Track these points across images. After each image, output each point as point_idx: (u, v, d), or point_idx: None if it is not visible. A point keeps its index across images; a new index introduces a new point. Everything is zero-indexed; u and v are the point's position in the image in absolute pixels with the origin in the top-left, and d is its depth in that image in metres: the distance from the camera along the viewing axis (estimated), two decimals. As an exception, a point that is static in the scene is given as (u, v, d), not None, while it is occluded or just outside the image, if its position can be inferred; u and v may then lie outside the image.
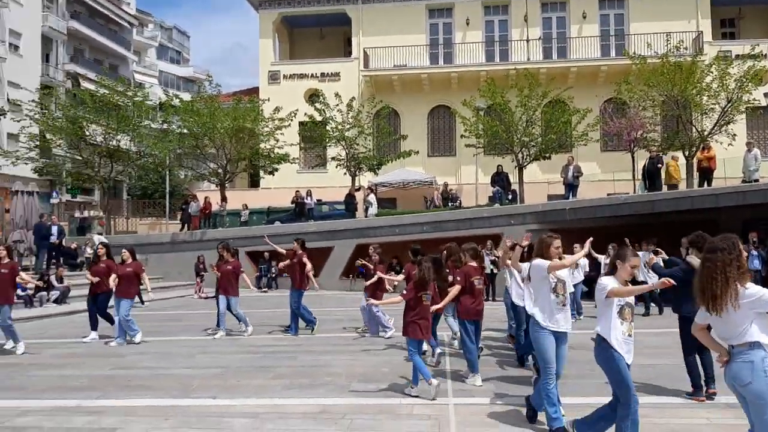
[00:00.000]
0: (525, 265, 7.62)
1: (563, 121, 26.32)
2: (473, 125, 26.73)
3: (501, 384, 7.95)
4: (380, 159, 29.00)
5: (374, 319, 11.94)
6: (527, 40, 34.77)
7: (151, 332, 12.61)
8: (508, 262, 8.47)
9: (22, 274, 11.38)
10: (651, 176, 21.74)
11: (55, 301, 17.38)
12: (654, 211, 19.70)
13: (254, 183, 36.39)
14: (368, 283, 11.74)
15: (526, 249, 8.09)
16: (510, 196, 25.89)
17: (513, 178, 26.57)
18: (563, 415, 5.76)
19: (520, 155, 26.23)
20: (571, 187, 23.42)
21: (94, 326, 12.12)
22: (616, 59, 32.67)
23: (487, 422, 6.31)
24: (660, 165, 21.73)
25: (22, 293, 17.08)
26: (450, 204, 26.85)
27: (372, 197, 25.68)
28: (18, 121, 29.83)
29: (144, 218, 35.42)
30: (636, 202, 20.30)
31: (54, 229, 20.95)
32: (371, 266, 12.00)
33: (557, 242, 6.21)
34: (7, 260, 10.57)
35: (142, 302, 18.36)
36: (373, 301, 9.41)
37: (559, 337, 6.00)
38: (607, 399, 5.29)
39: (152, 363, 9.64)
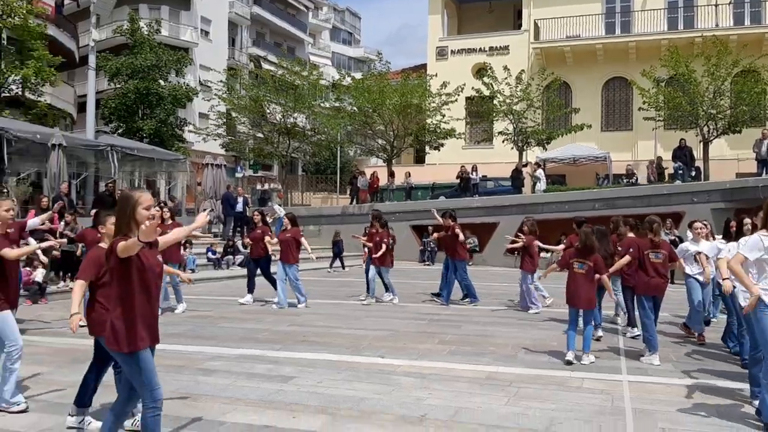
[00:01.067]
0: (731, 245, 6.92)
1: (757, 92, 23.80)
2: (653, 97, 24.97)
3: (680, 365, 7.42)
4: (549, 133, 28.07)
5: (528, 293, 11.80)
6: (716, 5, 31.66)
7: (323, 296, 13.33)
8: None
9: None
10: None
11: (240, 265, 18.84)
12: None
13: (419, 159, 36.86)
14: (511, 246, 12.25)
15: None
16: (693, 173, 23.93)
17: (697, 153, 24.53)
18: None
19: (705, 129, 24.13)
20: (765, 163, 21.16)
21: (251, 289, 12.59)
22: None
23: (664, 401, 5.91)
24: None
25: (213, 257, 18.76)
26: (626, 181, 25.36)
27: (540, 172, 25.00)
28: (208, 101, 32.58)
29: (317, 192, 37.35)
30: None
31: (240, 200, 22.67)
32: (522, 238, 12.03)
33: None
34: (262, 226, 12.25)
35: (343, 267, 20.05)
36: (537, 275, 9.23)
37: None
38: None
39: (325, 322, 10.15)
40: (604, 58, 32.94)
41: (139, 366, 3.83)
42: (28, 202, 18.48)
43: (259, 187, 30.18)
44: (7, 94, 23.39)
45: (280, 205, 28.17)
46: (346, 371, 6.91)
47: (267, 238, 12.28)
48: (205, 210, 22.93)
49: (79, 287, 4.68)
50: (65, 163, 16.87)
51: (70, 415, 4.92)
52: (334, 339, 8.71)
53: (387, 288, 12.89)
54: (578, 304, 7.56)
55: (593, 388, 6.37)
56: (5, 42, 23.41)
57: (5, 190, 12.80)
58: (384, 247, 12.38)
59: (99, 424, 4.56)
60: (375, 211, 13.68)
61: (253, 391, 6.10)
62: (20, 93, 23.87)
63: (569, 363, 7.29)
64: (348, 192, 30.01)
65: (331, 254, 21.36)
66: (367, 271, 12.88)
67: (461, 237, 12.45)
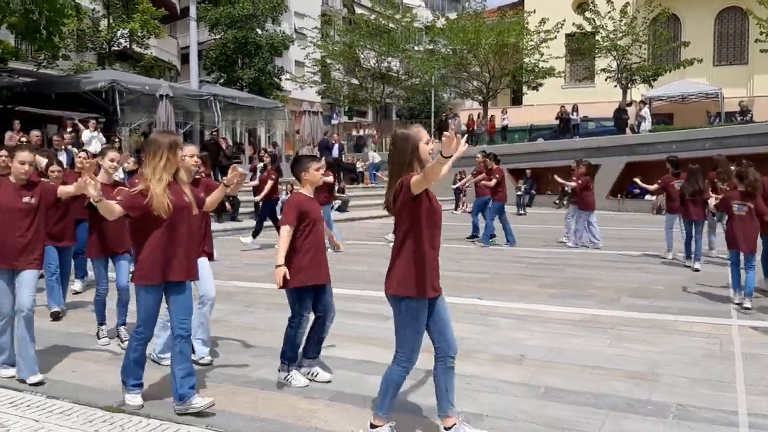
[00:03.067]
0: None
1: None
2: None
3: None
4: (656, 69, 26.52)
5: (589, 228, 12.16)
6: None
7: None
8: None
9: None
10: None
11: (338, 209, 19.26)
12: None
13: (516, 100, 35.93)
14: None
15: None
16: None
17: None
18: None
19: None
20: None
21: (257, 232, 12.33)
22: None
23: (781, 347, 5.65)
24: None
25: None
26: (740, 118, 23.72)
27: (645, 111, 23.77)
28: (303, 49, 32.90)
29: (412, 137, 37.22)
30: None
31: (336, 147, 23.02)
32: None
33: None
34: None
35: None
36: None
37: None
38: None
39: None
40: (719, -14, 30.51)
41: (411, 317, 3.58)
42: (139, 151, 19.58)
43: (354, 133, 30.51)
44: (116, 48, 24.54)
45: (374, 151, 28.46)
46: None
47: (270, 182, 11.80)
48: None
49: (286, 234, 4.48)
50: (173, 112, 17.62)
51: (280, 370, 4.81)
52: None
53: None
54: (738, 247, 7.29)
55: (701, 332, 6.18)
56: (112, -3, 24.47)
57: (117, 140, 13.54)
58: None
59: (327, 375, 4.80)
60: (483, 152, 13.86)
61: (353, 329, 6.32)
62: (128, 46, 25.01)
63: (740, 305, 7.10)
64: (438, 137, 29.70)
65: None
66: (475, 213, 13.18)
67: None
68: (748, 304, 7.08)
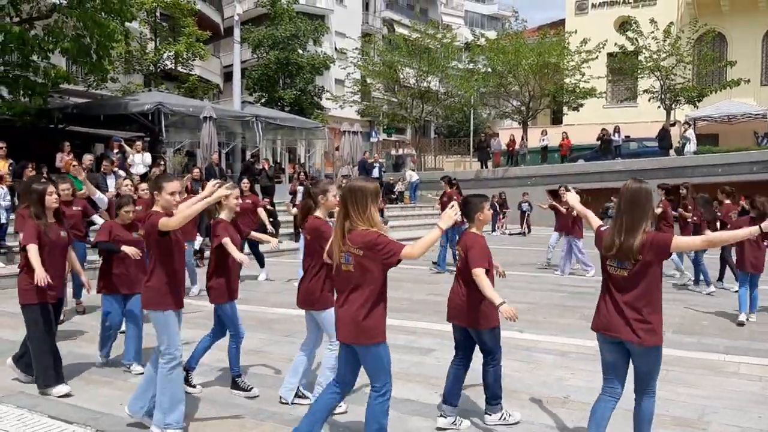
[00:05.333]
0: None
1: None
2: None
3: None
4: (701, 90, 26.02)
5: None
6: None
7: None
8: None
9: None
10: None
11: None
12: None
13: (556, 120, 35.63)
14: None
15: None
16: None
17: None
18: None
19: None
20: None
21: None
22: None
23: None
24: None
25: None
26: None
27: (690, 132, 23.35)
28: (344, 69, 33.24)
29: (450, 156, 37.24)
30: None
31: (375, 166, 23.15)
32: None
33: None
34: None
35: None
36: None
37: None
38: None
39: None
40: (767, 5, 29.82)
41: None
42: (183, 171, 20.00)
43: (393, 152, 30.60)
44: (162, 69, 25.19)
45: (413, 170, 28.51)
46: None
47: (260, 210, 11.26)
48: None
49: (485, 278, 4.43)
50: (215, 133, 17.98)
51: (441, 416, 4.75)
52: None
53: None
54: (747, 269, 8.21)
55: (750, 374, 6.00)
56: (159, 19, 25.15)
57: (162, 162, 13.83)
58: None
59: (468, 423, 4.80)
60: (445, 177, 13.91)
61: (393, 363, 6.29)
62: (173, 68, 25.64)
63: (741, 324, 7.96)
64: (477, 156, 29.54)
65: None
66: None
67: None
68: (753, 318, 8.23)
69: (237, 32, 22.34)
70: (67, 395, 5.18)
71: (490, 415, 4.78)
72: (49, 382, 5.20)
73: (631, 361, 3.98)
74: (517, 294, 10.18)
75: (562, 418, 4.92)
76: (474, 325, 4.57)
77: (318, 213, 4.85)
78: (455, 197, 12.33)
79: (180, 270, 4.56)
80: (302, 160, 30.15)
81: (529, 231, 21.32)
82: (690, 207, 10.97)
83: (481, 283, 4.36)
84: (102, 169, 11.85)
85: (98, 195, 7.33)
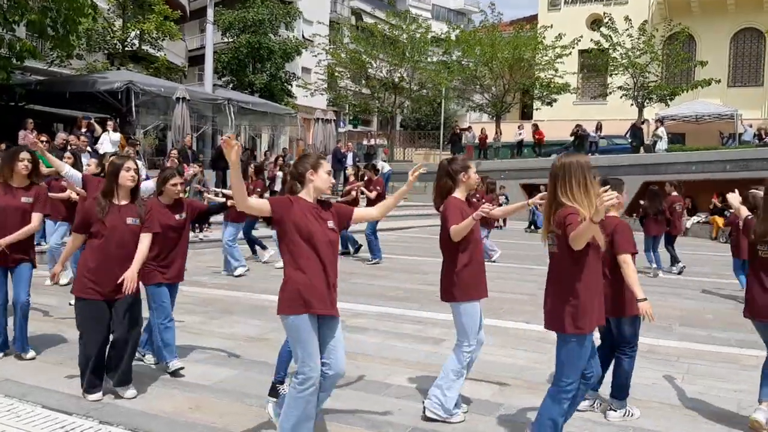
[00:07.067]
0: None
1: None
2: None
3: None
4: (673, 89, 26.34)
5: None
6: None
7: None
8: None
9: None
10: None
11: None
12: None
13: (526, 115, 35.72)
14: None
15: None
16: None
17: None
18: None
19: None
20: None
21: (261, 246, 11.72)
22: None
23: None
24: None
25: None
26: (760, 140, 23.55)
27: (662, 130, 23.57)
28: (315, 56, 32.55)
29: (418, 148, 37.00)
30: None
31: (349, 155, 22.74)
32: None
33: None
34: None
35: None
36: None
37: None
38: None
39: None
40: (736, 7, 30.39)
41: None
42: (155, 154, 19.30)
43: (365, 142, 30.17)
44: (129, 49, 24.21)
45: (385, 161, 28.15)
46: (495, 336, 6.65)
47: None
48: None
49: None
50: (188, 116, 17.31)
51: (611, 409, 4.50)
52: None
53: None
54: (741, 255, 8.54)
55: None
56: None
57: (138, 143, 13.19)
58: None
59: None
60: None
61: (407, 353, 5.99)
62: (140, 47, 24.63)
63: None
64: (450, 149, 29.32)
65: None
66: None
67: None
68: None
69: (210, 12, 21.62)
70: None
71: (614, 411, 4.48)
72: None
73: None
74: (512, 285, 9.97)
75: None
76: (616, 312, 4.34)
77: (457, 193, 4.40)
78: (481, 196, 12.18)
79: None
80: (266, 147, 29.43)
81: (505, 224, 21.17)
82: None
83: (627, 271, 4.19)
84: (72, 146, 11.19)
85: (67, 169, 6.74)
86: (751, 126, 25.99)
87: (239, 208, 3.55)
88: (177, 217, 5.14)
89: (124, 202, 4.56)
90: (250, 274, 10.03)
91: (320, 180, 3.71)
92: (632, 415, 4.49)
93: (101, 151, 13.88)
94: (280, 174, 15.03)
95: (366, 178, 12.38)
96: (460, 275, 4.30)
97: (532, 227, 20.16)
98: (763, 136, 22.61)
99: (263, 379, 5.06)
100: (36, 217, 5.30)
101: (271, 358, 5.69)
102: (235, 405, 4.55)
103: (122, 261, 4.43)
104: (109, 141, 14.39)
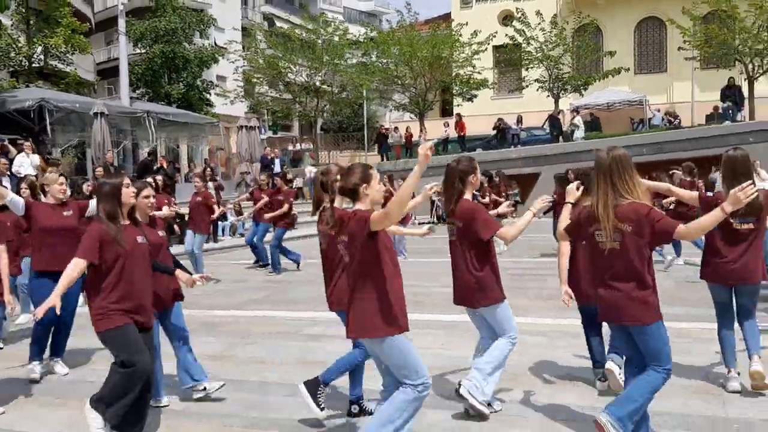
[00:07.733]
0: None
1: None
2: (697, 35, 24.15)
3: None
4: (586, 79, 27.39)
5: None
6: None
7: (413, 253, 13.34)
8: None
9: None
10: None
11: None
12: None
13: (446, 112, 36.23)
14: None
15: None
16: (741, 112, 23.28)
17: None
18: None
19: (750, 66, 23.39)
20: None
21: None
22: None
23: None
24: None
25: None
26: (669, 124, 24.82)
27: (578, 119, 24.48)
28: (232, 62, 31.89)
29: (343, 151, 36.91)
30: None
31: (277, 162, 22.41)
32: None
33: None
34: None
35: None
36: None
37: None
38: None
39: (421, 281, 9.67)
40: (638, -2, 31.84)
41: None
42: (74, 173, 18.33)
43: (290, 147, 29.87)
44: (37, 65, 22.94)
45: (313, 165, 27.97)
46: (459, 331, 6.69)
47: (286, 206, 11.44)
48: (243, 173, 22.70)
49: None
50: (108, 131, 16.61)
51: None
52: (425, 299, 8.51)
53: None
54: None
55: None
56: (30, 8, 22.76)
57: (59, 162, 12.53)
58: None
59: None
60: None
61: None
62: (47, 63, 23.35)
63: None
64: (376, 150, 29.43)
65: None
66: None
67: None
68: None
69: (122, 23, 20.82)
70: None
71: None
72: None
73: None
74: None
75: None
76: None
77: (467, 195, 4.49)
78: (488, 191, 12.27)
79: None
80: (184, 158, 28.62)
81: (438, 221, 21.36)
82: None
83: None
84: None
85: (11, 197, 6.23)
86: (659, 110, 27.38)
87: (402, 211, 3.39)
88: (160, 234, 4.89)
89: (126, 222, 4.22)
90: (194, 291, 9.67)
91: (375, 192, 3.58)
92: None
93: (22, 174, 13.10)
94: (211, 185, 14.57)
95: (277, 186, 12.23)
96: (486, 276, 4.64)
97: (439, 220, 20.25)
98: (672, 120, 23.84)
99: (239, 398, 4.91)
100: None
101: (238, 375, 5.53)
102: (215, 427, 4.37)
103: (146, 286, 4.13)
104: (30, 163, 13.59)
